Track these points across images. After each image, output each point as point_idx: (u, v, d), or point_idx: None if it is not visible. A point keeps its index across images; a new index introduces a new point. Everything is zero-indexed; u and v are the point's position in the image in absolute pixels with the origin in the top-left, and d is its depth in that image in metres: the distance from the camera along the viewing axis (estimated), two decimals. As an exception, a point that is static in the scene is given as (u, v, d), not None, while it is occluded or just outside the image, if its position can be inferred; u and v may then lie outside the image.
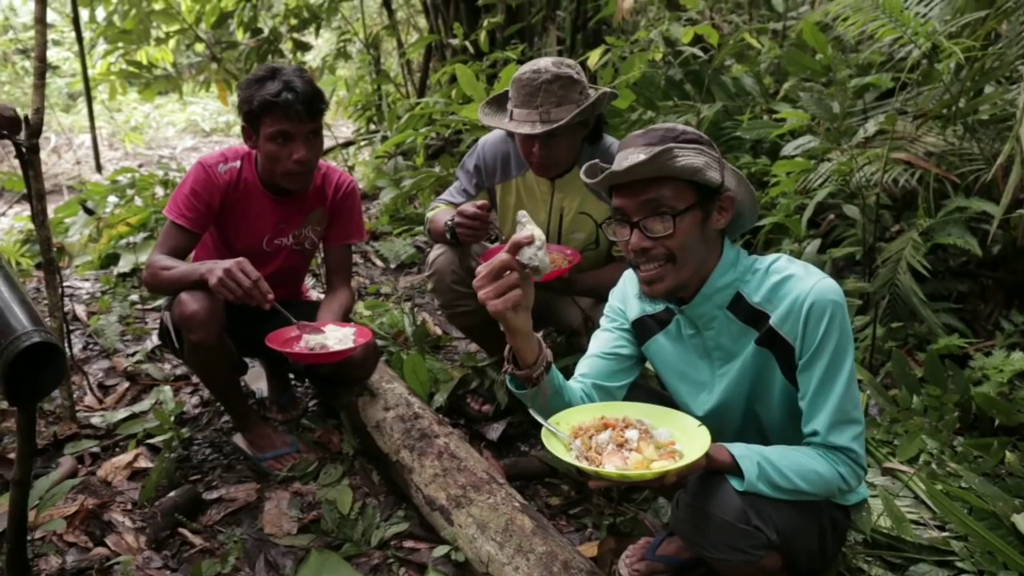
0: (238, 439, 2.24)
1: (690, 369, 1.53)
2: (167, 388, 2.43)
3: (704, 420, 1.49)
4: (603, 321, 1.67)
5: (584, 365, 1.61)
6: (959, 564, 1.57)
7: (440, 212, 2.30)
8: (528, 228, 1.26)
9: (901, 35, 2.96)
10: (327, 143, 7.11)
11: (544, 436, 1.32)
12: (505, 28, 4.73)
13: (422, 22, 7.62)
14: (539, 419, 1.36)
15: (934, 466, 1.90)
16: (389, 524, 1.97)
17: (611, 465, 1.24)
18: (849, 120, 3.32)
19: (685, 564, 1.82)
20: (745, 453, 1.38)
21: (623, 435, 1.32)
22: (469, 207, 2.06)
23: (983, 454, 1.89)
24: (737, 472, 1.36)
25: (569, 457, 1.27)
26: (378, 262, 3.80)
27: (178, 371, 2.66)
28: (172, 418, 2.23)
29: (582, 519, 2.05)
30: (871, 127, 2.86)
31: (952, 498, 1.72)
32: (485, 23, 4.22)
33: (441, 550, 1.77)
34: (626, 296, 1.64)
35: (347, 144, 6.65)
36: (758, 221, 1.46)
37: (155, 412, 2.22)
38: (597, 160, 1.44)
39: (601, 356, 1.61)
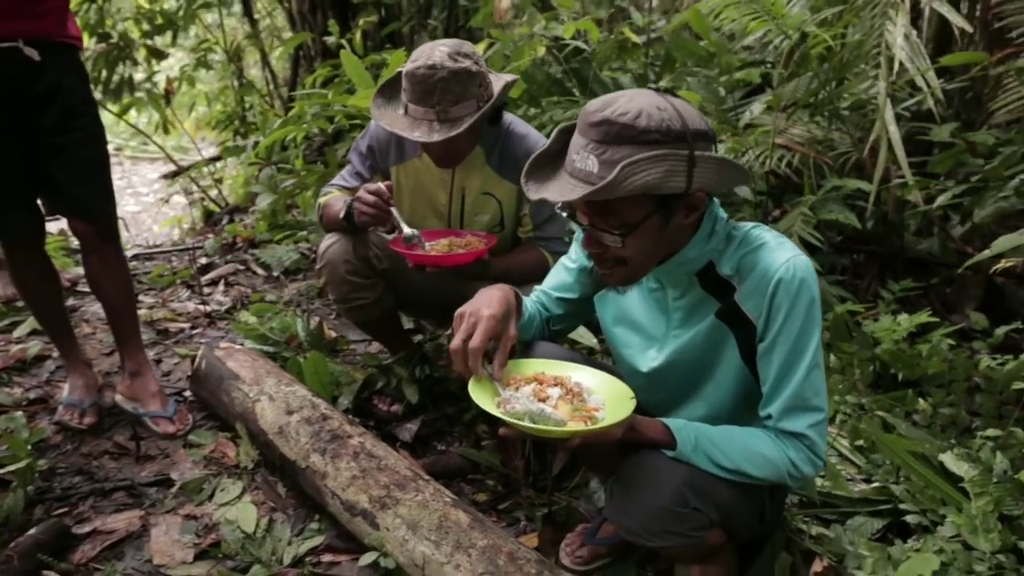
0: (119, 399, 2.20)
1: (646, 321, 1.44)
2: (19, 414, 2.07)
3: (647, 376, 1.44)
4: (565, 257, 1.61)
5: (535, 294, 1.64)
6: (901, 507, 1.58)
7: (333, 198, 2.12)
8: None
9: (771, 28, 3.12)
10: (190, 160, 6.59)
11: (471, 384, 1.30)
12: (379, 30, 4.59)
13: (287, 34, 7.31)
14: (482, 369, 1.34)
15: (853, 422, 1.94)
16: (302, 539, 1.76)
17: (526, 419, 1.22)
18: (725, 116, 3.44)
19: (626, 544, 1.74)
20: (682, 427, 1.31)
21: (545, 391, 1.31)
22: (371, 186, 1.90)
23: (897, 404, 1.95)
24: (671, 445, 1.30)
25: (489, 405, 1.25)
26: (259, 271, 3.50)
27: (31, 394, 2.29)
28: (28, 446, 1.89)
29: (513, 513, 1.92)
30: (756, 108, 2.96)
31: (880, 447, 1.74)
32: (361, 22, 4.05)
33: (368, 557, 1.59)
34: None
35: (213, 160, 6.20)
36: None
37: (5, 438, 1.87)
38: (545, 149, 1.29)
39: (548, 291, 1.63)
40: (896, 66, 2.59)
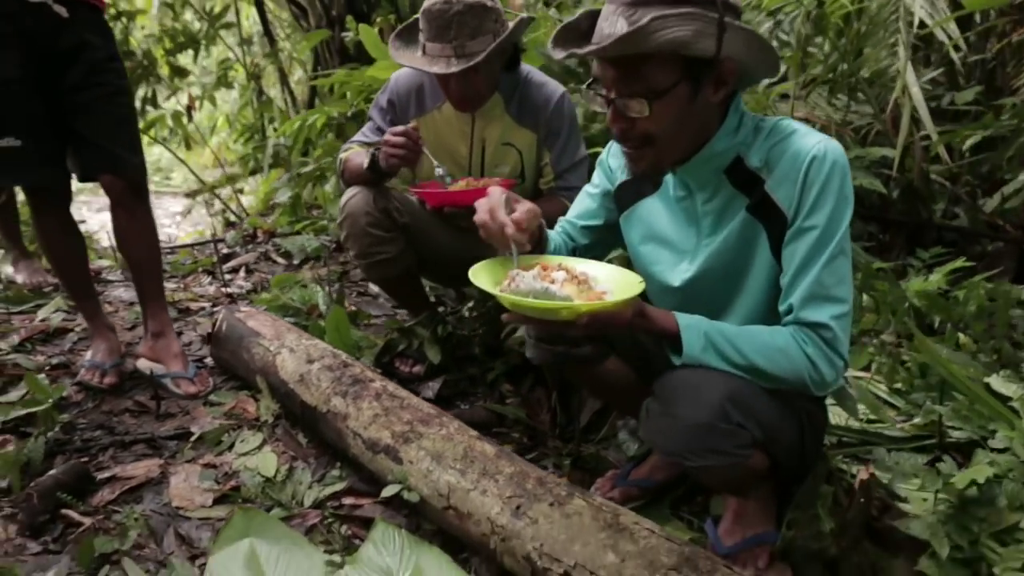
0: (142, 363, 2.14)
1: (676, 234, 1.39)
2: (41, 376, 2.05)
3: (680, 290, 1.39)
4: (588, 185, 1.58)
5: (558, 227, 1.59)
6: (947, 425, 1.50)
7: (354, 152, 2.12)
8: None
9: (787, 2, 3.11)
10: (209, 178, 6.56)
11: (474, 270, 1.23)
12: (394, 31, 4.63)
13: (304, 53, 7.43)
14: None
15: (890, 363, 1.87)
16: (323, 485, 1.72)
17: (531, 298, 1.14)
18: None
19: (660, 485, 1.68)
20: (692, 323, 1.25)
21: (551, 275, 1.24)
22: (398, 128, 1.89)
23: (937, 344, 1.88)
24: (678, 343, 1.24)
25: (490, 286, 1.18)
26: (280, 260, 3.51)
27: (54, 360, 2.28)
28: (51, 401, 1.87)
29: (540, 463, 1.86)
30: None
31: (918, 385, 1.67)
32: (378, 19, 4.11)
33: (391, 490, 1.54)
34: (620, 155, 1.49)
35: (234, 178, 6.26)
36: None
37: (29, 380, 1.85)
38: (572, 21, 1.26)
39: (573, 221, 1.59)
40: (916, 21, 2.56)
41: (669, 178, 1.40)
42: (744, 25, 1.15)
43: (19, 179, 1.96)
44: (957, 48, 3.00)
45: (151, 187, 7.93)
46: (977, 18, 3.28)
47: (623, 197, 1.51)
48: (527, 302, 1.12)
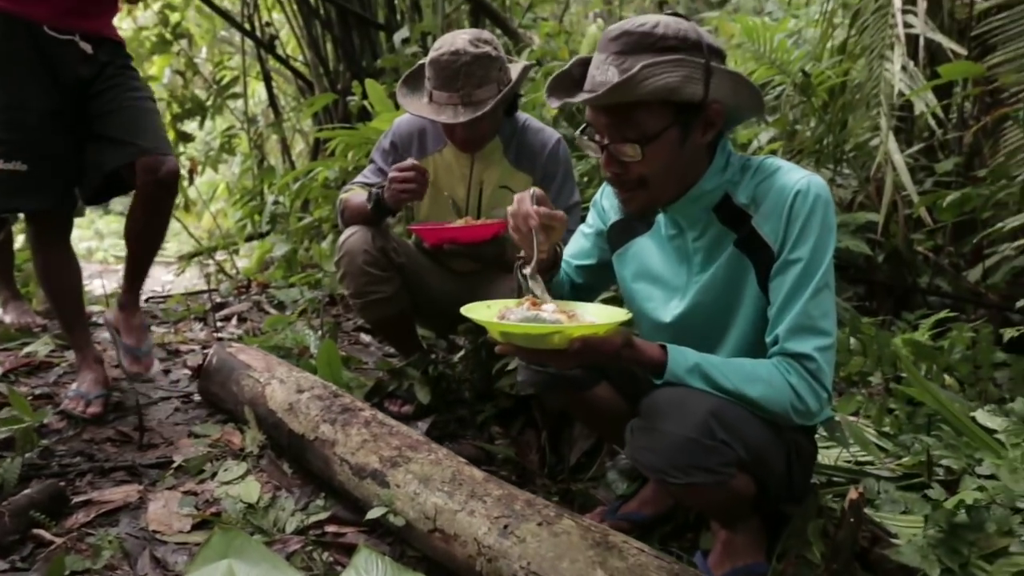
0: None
1: (667, 272, 1.43)
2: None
3: (671, 326, 1.41)
4: (583, 225, 1.62)
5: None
6: (934, 453, 1.50)
7: (355, 193, 2.17)
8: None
9: (776, 74, 3.27)
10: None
11: (464, 309, 1.26)
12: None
13: (307, 124, 7.66)
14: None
15: (877, 404, 1.87)
16: (307, 513, 1.68)
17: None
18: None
19: (649, 520, 1.66)
20: (680, 349, 1.27)
21: (540, 307, 1.27)
22: (403, 164, 1.95)
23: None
24: (664, 370, 1.25)
25: (482, 316, 1.21)
26: (272, 310, 3.51)
27: (37, 391, 2.25)
28: (30, 422, 1.84)
29: (527, 499, 1.83)
30: (764, 138, 3.04)
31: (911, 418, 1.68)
32: (383, 87, 4.27)
33: (376, 512, 1.50)
34: (613, 196, 1.54)
35: (231, 244, 6.31)
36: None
37: (11, 396, 1.83)
38: (565, 70, 1.33)
39: (568, 260, 1.60)
40: (896, 90, 2.69)
41: (661, 217, 1.45)
42: (729, 68, 1.22)
43: (22, 204, 1.99)
44: (939, 122, 3.15)
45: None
46: (956, 99, 3.44)
47: (616, 236, 1.55)
48: (519, 327, 1.15)
